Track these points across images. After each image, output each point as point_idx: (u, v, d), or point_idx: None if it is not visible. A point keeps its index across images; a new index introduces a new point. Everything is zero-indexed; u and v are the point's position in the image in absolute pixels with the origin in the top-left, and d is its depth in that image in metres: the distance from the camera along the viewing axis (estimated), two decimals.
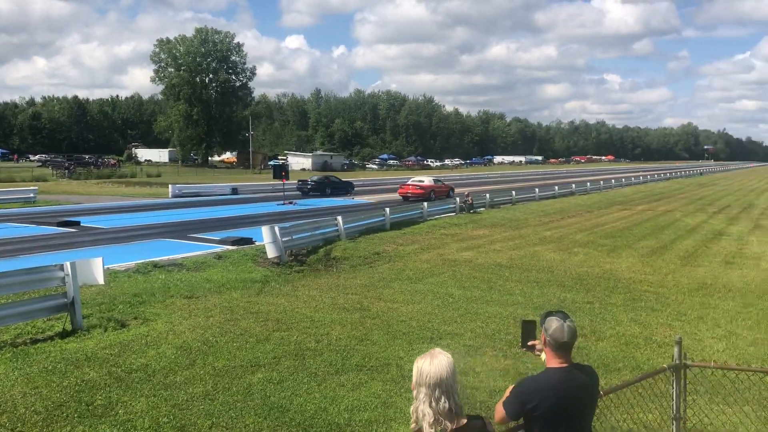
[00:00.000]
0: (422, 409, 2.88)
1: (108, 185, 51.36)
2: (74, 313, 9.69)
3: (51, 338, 9.28)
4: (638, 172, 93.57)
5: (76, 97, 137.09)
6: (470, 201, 30.36)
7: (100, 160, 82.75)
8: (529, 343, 3.53)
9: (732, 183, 70.38)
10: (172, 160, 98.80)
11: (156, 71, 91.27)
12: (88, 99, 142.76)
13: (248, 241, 19.10)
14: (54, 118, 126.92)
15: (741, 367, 6.03)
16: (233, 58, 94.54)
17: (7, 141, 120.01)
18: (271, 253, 16.33)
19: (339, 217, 20.55)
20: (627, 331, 9.99)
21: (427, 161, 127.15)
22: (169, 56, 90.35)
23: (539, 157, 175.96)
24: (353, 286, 13.26)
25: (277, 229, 16.56)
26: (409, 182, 39.61)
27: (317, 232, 19.39)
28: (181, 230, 22.71)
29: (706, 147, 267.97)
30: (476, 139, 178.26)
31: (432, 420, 2.85)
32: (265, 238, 16.49)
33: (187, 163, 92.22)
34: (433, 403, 2.85)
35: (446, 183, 41.59)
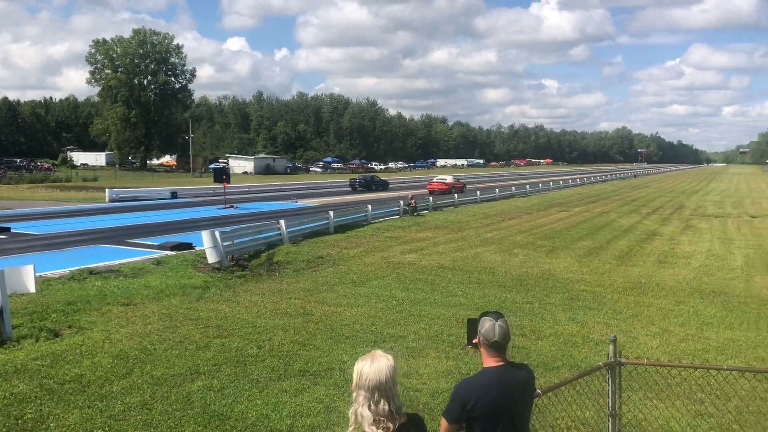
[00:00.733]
0: (360, 411, 2.86)
1: (41, 190, 49.53)
2: (2, 324, 9.27)
3: None
4: (575, 174, 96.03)
5: (6, 99, 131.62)
6: (413, 204, 30.58)
7: (32, 163, 79.67)
8: (474, 341, 3.56)
9: (664, 185, 72.95)
10: (110, 163, 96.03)
11: (92, 73, 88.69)
12: (19, 101, 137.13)
13: (188, 246, 18.71)
14: None
15: (672, 363, 6.23)
16: (173, 59, 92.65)
17: None
18: (211, 258, 16.03)
19: (282, 221, 20.35)
20: (565, 330, 10.20)
21: (371, 164, 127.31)
22: (105, 57, 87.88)
23: (481, 161, 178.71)
24: (296, 290, 13.14)
25: (217, 233, 16.27)
26: (434, 180, 48.63)
27: (259, 236, 19.15)
28: (119, 235, 22.08)
29: (639, 150, 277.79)
30: (419, 142, 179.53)
31: (371, 421, 2.83)
32: (206, 242, 16.18)
33: (125, 167, 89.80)
34: (372, 406, 2.84)
35: (461, 181, 49.96)
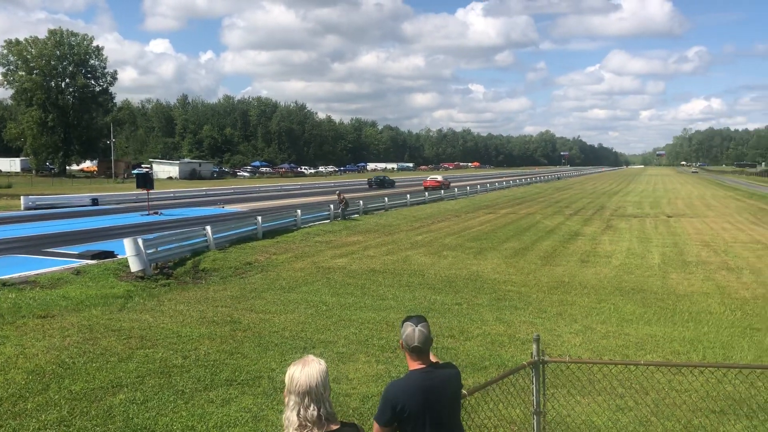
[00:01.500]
0: (288, 416, 2.84)
1: None
2: None
3: None
4: (501, 177, 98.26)
5: None
6: (343, 199, 30.21)
7: None
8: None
9: (586, 186, 75.54)
10: (25, 169, 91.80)
11: (4, 74, 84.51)
12: None
13: (110, 254, 18.06)
14: None
15: (594, 360, 6.44)
16: (92, 61, 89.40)
17: None
18: (134, 266, 15.52)
19: (208, 227, 19.93)
20: (493, 330, 10.39)
21: (301, 168, 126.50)
22: (19, 58, 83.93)
23: (410, 164, 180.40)
24: (223, 298, 12.88)
25: (140, 240, 15.77)
26: (428, 178, 63.85)
27: (185, 243, 18.68)
28: (35, 245, 21.10)
29: (562, 153, 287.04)
30: (349, 146, 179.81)
31: (296, 426, 2.80)
32: (128, 250, 15.66)
33: (42, 173, 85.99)
34: (302, 411, 2.81)
35: (447, 180, 65.58)
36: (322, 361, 2.91)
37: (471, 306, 12.26)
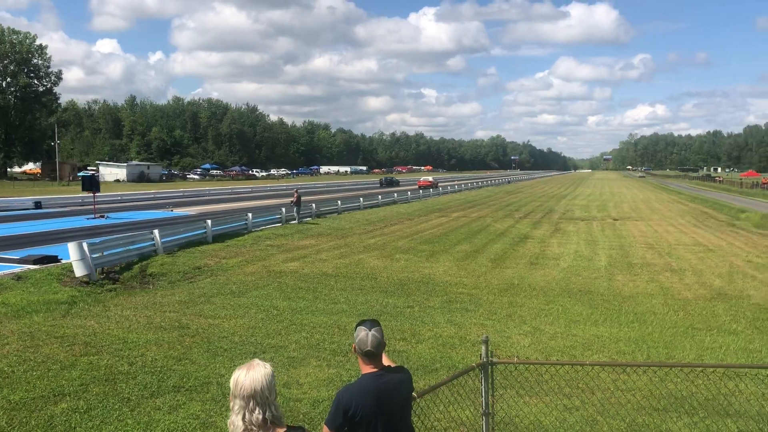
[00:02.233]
0: (233, 420, 2.82)
1: None
2: None
3: None
4: (453, 181, 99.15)
5: None
6: (296, 197, 29.69)
7: None
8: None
9: (535, 190, 76.89)
10: None
11: None
12: None
13: (53, 259, 17.50)
14: None
15: (541, 361, 6.53)
16: (35, 60, 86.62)
17: None
18: (79, 271, 15.09)
19: (155, 231, 19.52)
20: (444, 333, 10.47)
21: (252, 171, 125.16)
22: None
23: (364, 167, 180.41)
24: (171, 303, 12.64)
25: (85, 245, 15.34)
26: (421, 179, 78.19)
27: (132, 247, 18.25)
28: None
29: (513, 157, 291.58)
30: (302, 149, 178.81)
31: (242, 429, 2.79)
32: (72, 255, 15.20)
33: None
34: (247, 415, 2.80)
35: (437, 179, 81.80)
36: (268, 365, 2.90)
37: (423, 309, 12.33)
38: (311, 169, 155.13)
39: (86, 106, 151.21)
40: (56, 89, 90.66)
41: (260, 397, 2.81)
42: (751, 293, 14.33)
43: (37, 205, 39.78)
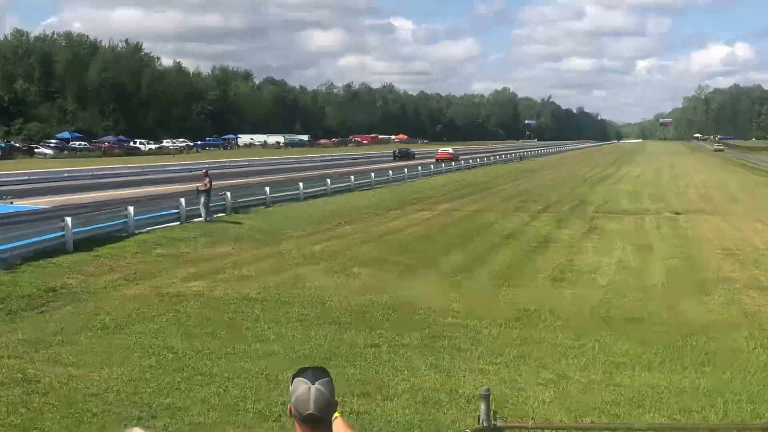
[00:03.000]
0: None
1: None
2: None
3: None
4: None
5: None
6: (207, 184, 29.08)
7: None
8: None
9: (559, 171, 77.60)
10: None
11: None
12: None
13: None
14: None
15: (570, 423, 6.60)
16: None
17: None
18: None
19: None
20: (425, 384, 10.52)
21: (135, 143, 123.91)
22: None
23: (305, 137, 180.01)
24: (11, 344, 12.48)
25: None
26: (440, 150, 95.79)
27: None
28: None
29: (527, 122, 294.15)
30: (210, 109, 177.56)
31: None
32: None
33: None
34: None
35: (458, 151, 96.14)
36: None
37: (393, 348, 12.36)
38: (225, 140, 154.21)
39: None
40: None
41: None
42: None
43: None
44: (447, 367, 11.37)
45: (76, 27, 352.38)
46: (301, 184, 42.61)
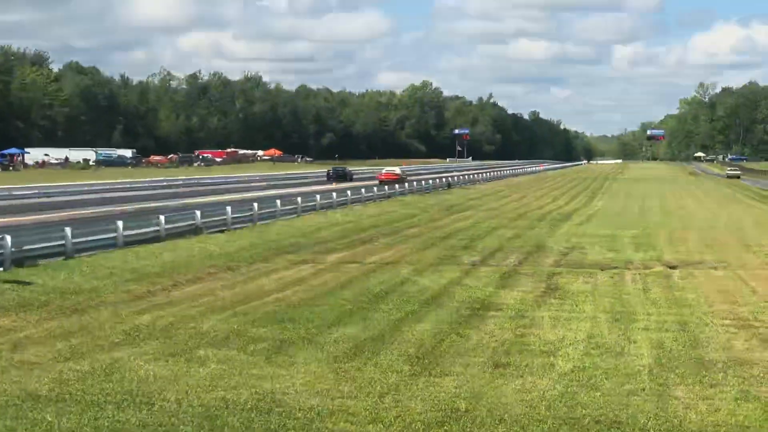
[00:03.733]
0: None
1: None
2: None
3: None
4: (324, 183, 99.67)
5: None
6: None
7: None
8: None
9: (506, 202, 78.59)
10: None
11: None
12: None
13: None
14: None
15: None
16: None
17: None
18: None
19: None
20: None
21: None
22: None
23: (127, 152, 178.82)
24: None
25: None
26: (384, 171, 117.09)
27: None
28: None
29: (456, 131, 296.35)
30: None
31: None
32: None
33: None
34: None
35: (406, 172, 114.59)
36: None
37: None
38: (4, 156, 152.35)
39: None
40: None
41: None
42: None
43: None
44: None
45: None
46: (120, 223, 42.20)
